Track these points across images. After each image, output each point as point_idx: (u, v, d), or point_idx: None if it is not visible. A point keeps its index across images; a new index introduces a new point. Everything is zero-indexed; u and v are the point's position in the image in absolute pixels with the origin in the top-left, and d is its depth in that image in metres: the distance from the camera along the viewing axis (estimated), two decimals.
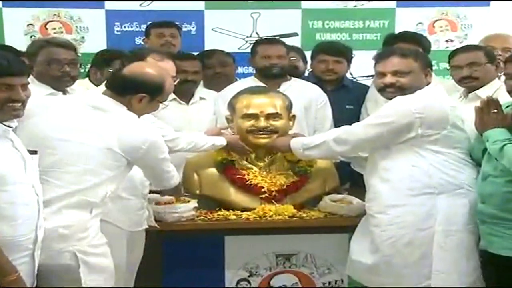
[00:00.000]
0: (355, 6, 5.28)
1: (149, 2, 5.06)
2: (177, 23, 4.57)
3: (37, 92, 3.08)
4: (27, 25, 5.01)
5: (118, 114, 2.60)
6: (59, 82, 3.21)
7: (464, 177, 2.94)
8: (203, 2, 5.11)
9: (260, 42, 4.23)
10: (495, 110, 2.79)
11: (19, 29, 4.97)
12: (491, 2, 5.23)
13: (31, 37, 4.92)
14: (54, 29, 5.04)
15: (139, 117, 2.67)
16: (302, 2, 5.22)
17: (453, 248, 2.90)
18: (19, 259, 2.25)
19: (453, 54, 3.59)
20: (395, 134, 2.94)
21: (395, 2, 5.26)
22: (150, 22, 4.53)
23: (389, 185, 2.97)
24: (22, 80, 2.24)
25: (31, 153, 2.35)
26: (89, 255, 2.52)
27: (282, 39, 4.33)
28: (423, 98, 2.96)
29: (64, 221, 2.43)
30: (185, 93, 3.84)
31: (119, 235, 2.87)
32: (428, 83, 3.05)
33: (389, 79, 3.00)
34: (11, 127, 2.28)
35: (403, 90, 2.98)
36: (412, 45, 3.72)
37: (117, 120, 2.58)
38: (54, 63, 3.19)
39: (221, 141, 3.35)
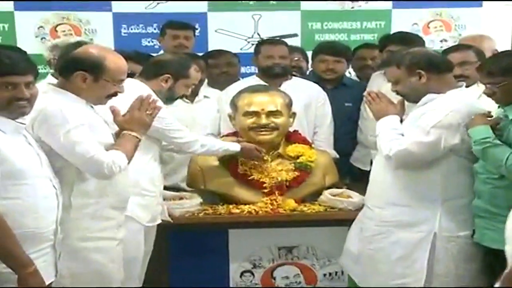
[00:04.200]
0: (352, 7, 5.24)
1: (155, 5, 5.02)
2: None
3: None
4: (38, 28, 4.98)
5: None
6: None
7: (471, 185, 2.79)
8: (206, 4, 5.08)
9: (264, 42, 4.17)
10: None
11: (30, 31, 4.95)
12: (484, 3, 5.21)
13: (41, 39, 4.93)
14: (64, 31, 5.02)
15: (95, 102, 2.51)
16: (301, 3, 5.19)
17: (447, 253, 2.81)
18: (43, 250, 2.23)
19: (444, 53, 3.52)
20: (448, 150, 2.74)
21: (391, 3, 5.22)
22: (167, 20, 4.43)
23: (400, 185, 2.83)
24: (26, 78, 2.17)
25: None
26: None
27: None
28: (468, 110, 2.73)
29: None
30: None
31: (139, 231, 2.90)
32: (451, 86, 2.82)
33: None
34: (23, 123, 2.24)
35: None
36: (403, 46, 3.49)
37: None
38: None
39: (235, 147, 3.25)
